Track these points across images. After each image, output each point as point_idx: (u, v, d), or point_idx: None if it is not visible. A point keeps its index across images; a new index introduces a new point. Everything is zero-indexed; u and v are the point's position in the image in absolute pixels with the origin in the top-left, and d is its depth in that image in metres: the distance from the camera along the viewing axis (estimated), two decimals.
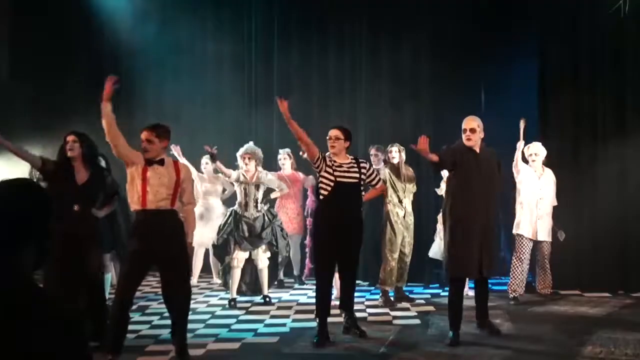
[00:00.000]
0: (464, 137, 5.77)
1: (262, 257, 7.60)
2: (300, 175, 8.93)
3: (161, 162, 5.20)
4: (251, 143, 7.76)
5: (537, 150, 7.73)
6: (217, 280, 8.73)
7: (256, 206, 7.55)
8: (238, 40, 10.24)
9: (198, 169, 8.76)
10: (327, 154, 5.99)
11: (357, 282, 8.79)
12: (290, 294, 8.18)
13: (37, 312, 1.60)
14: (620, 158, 8.15)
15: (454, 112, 8.57)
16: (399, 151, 7.64)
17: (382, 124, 9.35)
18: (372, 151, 8.21)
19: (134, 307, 7.51)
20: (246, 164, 7.53)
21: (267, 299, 7.61)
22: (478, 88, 9.31)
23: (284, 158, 8.79)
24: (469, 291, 7.26)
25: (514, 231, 7.70)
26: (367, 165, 6.14)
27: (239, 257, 7.47)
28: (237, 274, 7.52)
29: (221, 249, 7.58)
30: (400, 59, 9.36)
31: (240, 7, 10.26)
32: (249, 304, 7.57)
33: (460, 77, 9.12)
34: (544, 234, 7.69)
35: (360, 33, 9.65)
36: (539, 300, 7.62)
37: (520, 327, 6.36)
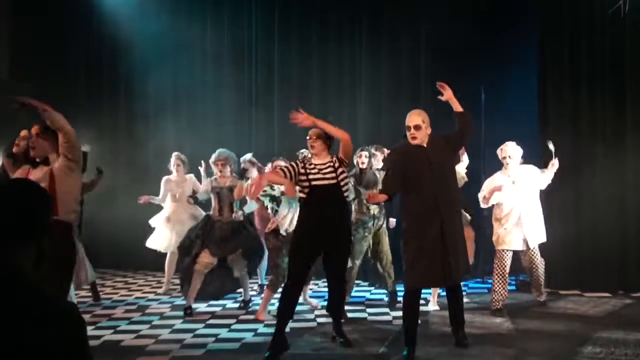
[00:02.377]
0: (408, 135, 5.29)
1: (239, 265, 7.20)
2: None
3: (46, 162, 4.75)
4: (223, 149, 7.40)
5: (512, 152, 7.08)
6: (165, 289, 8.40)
7: (231, 210, 7.25)
8: (238, 39, 10.23)
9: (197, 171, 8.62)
10: (302, 156, 5.81)
11: (357, 281, 8.83)
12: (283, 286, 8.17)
13: (36, 312, 1.60)
14: (620, 158, 8.15)
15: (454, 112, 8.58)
16: (368, 157, 7.34)
17: (382, 124, 9.35)
18: (372, 151, 8.21)
19: (134, 307, 7.54)
20: (220, 171, 7.27)
21: (242, 304, 7.32)
22: (478, 88, 9.30)
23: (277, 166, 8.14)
24: (434, 305, 7.14)
25: (497, 247, 7.12)
26: (345, 169, 5.63)
27: (206, 262, 7.06)
28: (198, 279, 7.06)
29: (186, 250, 7.22)
30: (400, 58, 9.37)
31: (240, 6, 10.26)
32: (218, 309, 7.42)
33: (460, 77, 9.11)
34: (529, 242, 7.04)
35: (360, 33, 9.65)
36: (539, 301, 7.60)
37: (520, 327, 6.36)
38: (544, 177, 7.15)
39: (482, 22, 9.08)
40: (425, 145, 5.25)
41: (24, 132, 5.34)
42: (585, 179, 8.23)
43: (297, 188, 5.61)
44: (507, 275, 7.05)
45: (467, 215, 7.21)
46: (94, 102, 10.79)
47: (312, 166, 5.54)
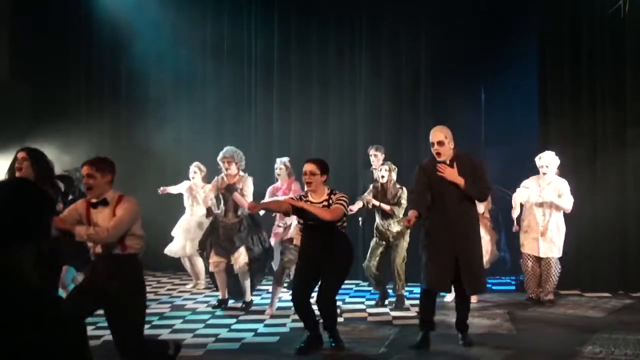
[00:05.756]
0: (432, 151, 5.58)
1: (240, 261, 7.22)
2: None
3: (104, 202, 4.46)
4: (230, 147, 7.38)
5: (549, 161, 7.47)
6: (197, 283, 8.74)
7: (235, 212, 7.26)
8: (238, 39, 10.23)
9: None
10: (303, 192, 5.78)
11: (357, 282, 8.84)
12: (290, 294, 8.17)
13: (36, 312, 1.60)
14: (620, 158, 8.15)
15: (454, 112, 8.59)
16: (389, 170, 7.46)
17: (382, 124, 9.35)
18: (372, 151, 8.22)
19: None
20: (226, 168, 7.24)
21: (243, 305, 7.30)
22: (478, 88, 9.30)
23: (280, 168, 7.79)
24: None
25: (522, 250, 7.63)
26: (338, 196, 5.52)
27: (214, 261, 7.28)
28: (220, 277, 7.35)
29: (200, 245, 7.56)
30: (400, 58, 9.36)
31: (239, 6, 10.25)
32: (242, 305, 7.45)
33: (460, 77, 9.12)
34: (547, 252, 7.47)
35: (360, 32, 9.64)
36: (539, 301, 7.60)
37: (520, 327, 6.36)
38: (567, 200, 7.41)
39: (482, 23, 9.07)
40: (448, 162, 5.53)
41: (21, 154, 4.98)
42: (585, 178, 8.23)
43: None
44: (533, 274, 7.52)
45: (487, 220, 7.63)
46: (94, 103, 10.79)
47: (309, 204, 5.48)
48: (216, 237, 7.26)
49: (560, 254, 7.51)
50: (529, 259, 7.54)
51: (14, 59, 10.54)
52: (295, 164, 9.41)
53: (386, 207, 7.36)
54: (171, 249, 8.66)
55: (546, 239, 7.42)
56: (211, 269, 7.37)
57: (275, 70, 10.01)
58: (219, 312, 7.22)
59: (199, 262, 8.48)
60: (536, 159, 7.51)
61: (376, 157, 8.14)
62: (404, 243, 7.50)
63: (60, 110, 10.36)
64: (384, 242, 7.53)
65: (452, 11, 9.04)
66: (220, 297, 7.42)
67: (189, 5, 10.26)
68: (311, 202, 5.49)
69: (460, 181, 5.44)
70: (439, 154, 5.51)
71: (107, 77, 10.77)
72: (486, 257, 7.54)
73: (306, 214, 5.43)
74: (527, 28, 8.91)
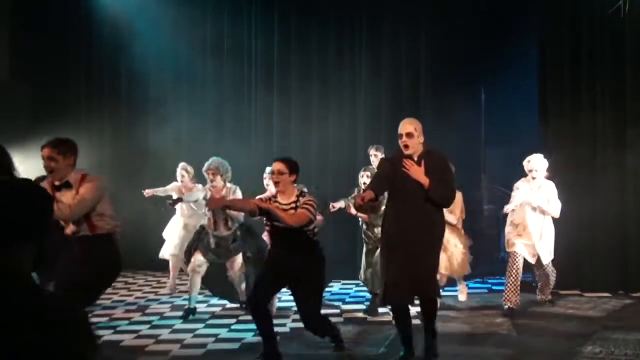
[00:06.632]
0: (400, 143, 5.14)
1: (234, 267, 7.00)
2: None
3: (67, 185, 4.44)
4: (216, 157, 7.03)
5: (538, 164, 7.01)
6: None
7: (226, 224, 6.91)
8: (238, 40, 10.23)
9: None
10: (270, 192, 5.47)
11: (357, 282, 8.82)
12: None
13: (37, 312, 1.60)
14: (620, 158, 8.15)
15: (454, 112, 8.60)
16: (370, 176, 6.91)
17: (382, 124, 9.35)
18: (372, 151, 8.21)
19: (134, 307, 7.55)
20: (212, 180, 6.89)
21: (243, 305, 7.16)
22: (478, 88, 9.30)
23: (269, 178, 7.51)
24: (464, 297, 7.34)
25: (507, 249, 7.14)
26: (306, 200, 5.10)
27: (197, 260, 6.88)
28: (196, 280, 6.90)
29: (186, 255, 7.17)
30: (400, 58, 9.37)
31: (239, 6, 10.25)
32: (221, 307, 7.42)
33: (460, 77, 9.13)
34: (542, 258, 7.04)
35: (360, 33, 9.65)
36: (539, 301, 7.60)
37: (520, 327, 6.35)
38: (555, 205, 7.02)
39: (482, 22, 9.08)
40: (416, 157, 5.12)
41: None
42: (585, 178, 8.23)
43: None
44: (518, 277, 6.91)
45: (452, 220, 7.13)
46: (94, 103, 10.79)
47: (276, 205, 5.07)
48: (205, 246, 6.93)
49: (552, 256, 7.14)
50: (517, 258, 6.94)
51: (14, 59, 10.55)
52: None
53: (364, 216, 7.02)
54: (164, 253, 8.61)
55: (542, 245, 7.00)
56: (190, 268, 6.93)
57: (275, 70, 10.00)
58: (218, 312, 7.22)
59: (180, 265, 8.41)
60: (524, 162, 7.07)
61: (376, 157, 8.12)
62: None
63: (60, 110, 10.36)
64: (372, 248, 7.09)
65: (452, 11, 9.04)
66: (190, 305, 6.95)
67: (189, 4, 10.26)
68: (280, 204, 5.08)
69: (425, 181, 5.00)
70: (406, 146, 5.09)
71: (107, 76, 10.77)
72: (456, 268, 7.35)
73: (272, 216, 4.99)
74: (527, 28, 8.92)
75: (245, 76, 10.22)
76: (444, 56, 9.06)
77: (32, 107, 10.52)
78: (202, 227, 7.10)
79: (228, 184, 6.97)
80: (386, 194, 5.30)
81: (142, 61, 10.20)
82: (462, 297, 7.68)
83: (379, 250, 6.58)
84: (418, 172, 5.03)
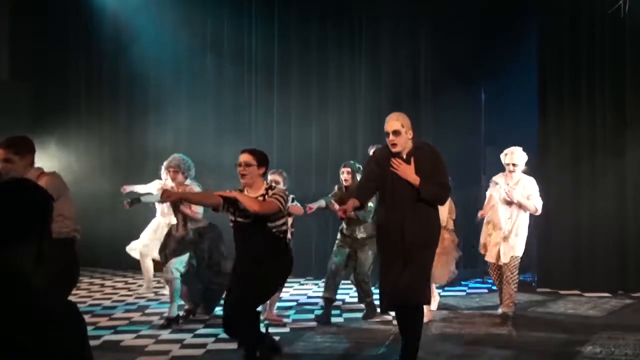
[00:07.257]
0: (387, 142, 4.85)
1: (173, 269, 6.49)
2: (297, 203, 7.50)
3: None
4: (178, 154, 6.71)
5: (518, 159, 6.59)
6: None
7: (185, 225, 6.50)
8: (238, 40, 10.23)
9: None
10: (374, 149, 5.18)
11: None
12: (290, 294, 8.18)
13: (36, 312, 1.60)
14: (620, 158, 8.15)
15: (454, 112, 8.60)
16: (351, 172, 6.72)
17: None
18: (372, 150, 8.20)
19: (134, 307, 7.54)
20: (173, 178, 6.52)
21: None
22: (478, 88, 9.30)
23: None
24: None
25: (485, 257, 6.81)
26: (275, 191, 4.76)
27: (171, 268, 6.48)
28: (175, 286, 6.48)
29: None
30: (400, 58, 9.36)
31: (239, 7, 10.25)
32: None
33: (460, 77, 9.12)
34: (502, 257, 6.56)
35: (360, 32, 9.64)
36: (539, 301, 7.61)
37: (520, 327, 6.35)
38: (537, 202, 6.58)
39: (482, 22, 9.08)
40: (405, 155, 4.83)
41: None
42: (585, 178, 8.23)
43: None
44: (500, 282, 6.64)
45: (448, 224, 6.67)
46: (94, 103, 10.79)
47: (239, 193, 4.74)
48: (169, 246, 6.60)
49: (521, 253, 6.55)
50: (494, 269, 6.68)
51: (14, 59, 10.55)
52: (296, 164, 9.46)
53: (351, 214, 6.01)
54: (132, 247, 8.32)
55: (508, 243, 6.50)
56: (170, 276, 6.48)
57: (275, 70, 10.00)
58: (218, 312, 7.21)
59: (148, 264, 8.28)
60: (502, 155, 6.65)
61: None
62: (369, 254, 6.63)
63: (60, 110, 10.36)
64: (346, 250, 6.72)
65: (452, 11, 9.04)
66: (170, 314, 6.54)
67: (189, 4, 10.25)
68: None
69: (415, 180, 4.72)
70: (394, 144, 4.79)
71: (107, 77, 10.77)
72: (442, 273, 6.56)
73: (238, 209, 4.62)
74: (527, 28, 8.92)
75: (245, 76, 10.21)
76: (444, 56, 9.06)
77: (32, 107, 10.52)
78: (170, 230, 6.79)
79: (188, 181, 6.55)
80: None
81: (142, 61, 10.19)
82: (432, 304, 6.62)
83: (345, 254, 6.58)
84: (407, 171, 4.75)
